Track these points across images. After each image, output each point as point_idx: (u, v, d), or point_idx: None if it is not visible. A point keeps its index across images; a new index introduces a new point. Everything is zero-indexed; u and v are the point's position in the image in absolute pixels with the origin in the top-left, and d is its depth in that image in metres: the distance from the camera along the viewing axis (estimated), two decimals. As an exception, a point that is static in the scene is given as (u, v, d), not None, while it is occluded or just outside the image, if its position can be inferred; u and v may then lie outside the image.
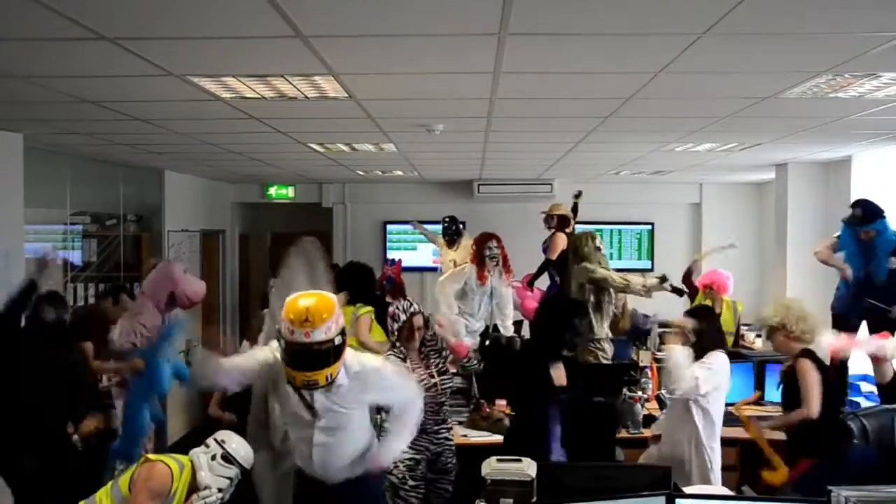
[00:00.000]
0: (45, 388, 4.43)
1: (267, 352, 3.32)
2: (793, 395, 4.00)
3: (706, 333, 4.22)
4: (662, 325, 6.85)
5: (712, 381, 4.07)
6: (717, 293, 6.60)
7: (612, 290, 5.91)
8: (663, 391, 5.36)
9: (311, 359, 2.99)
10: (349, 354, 3.21)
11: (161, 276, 6.07)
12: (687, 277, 6.98)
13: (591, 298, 5.82)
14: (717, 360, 4.13)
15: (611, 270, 5.96)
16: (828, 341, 4.06)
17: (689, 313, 4.44)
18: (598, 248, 6.05)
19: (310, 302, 3.01)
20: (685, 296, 6.86)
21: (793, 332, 4.04)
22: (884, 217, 5.23)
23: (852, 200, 7.13)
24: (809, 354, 4.03)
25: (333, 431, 3.26)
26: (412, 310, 4.15)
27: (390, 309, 4.23)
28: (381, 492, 3.71)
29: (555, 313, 4.23)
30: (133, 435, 5.15)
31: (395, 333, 4.15)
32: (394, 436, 3.44)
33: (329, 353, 3.01)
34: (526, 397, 4.09)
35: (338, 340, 3.02)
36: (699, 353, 4.15)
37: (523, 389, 4.10)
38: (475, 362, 4.39)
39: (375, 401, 3.50)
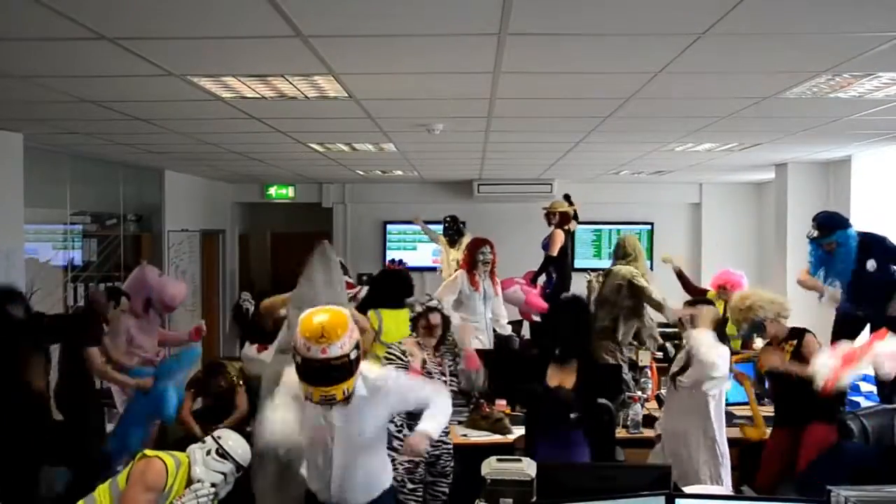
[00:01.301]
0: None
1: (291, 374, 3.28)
2: (798, 379, 4.09)
3: (714, 326, 4.18)
4: (661, 325, 6.84)
5: (725, 368, 4.06)
6: (732, 294, 6.42)
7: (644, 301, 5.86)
8: (663, 391, 5.36)
9: (327, 374, 2.98)
10: (363, 367, 3.20)
11: (136, 281, 6.05)
12: (687, 284, 6.84)
13: (627, 303, 5.75)
14: (725, 350, 4.09)
15: (651, 284, 5.89)
16: (820, 366, 4.00)
17: (693, 304, 4.41)
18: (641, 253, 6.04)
19: (324, 318, 3.01)
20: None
21: (776, 318, 4.28)
22: (844, 227, 5.19)
23: (851, 201, 7.17)
24: (807, 330, 4.31)
25: (352, 449, 3.21)
26: (430, 304, 4.14)
27: (410, 299, 4.29)
28: None
29: (554, 312, 4.21)
30: (120, 449, 5.15)
31: (412, 323, 4.17)
32: (428, 418, 3.32)
33: (345, 368, 3.00)
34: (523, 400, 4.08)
35: (353, 355, 3.02)
36: None
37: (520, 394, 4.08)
38: (482, 380, 4.36)
39: (398, 406, 3.39)
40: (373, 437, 3.27)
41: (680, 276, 6.83)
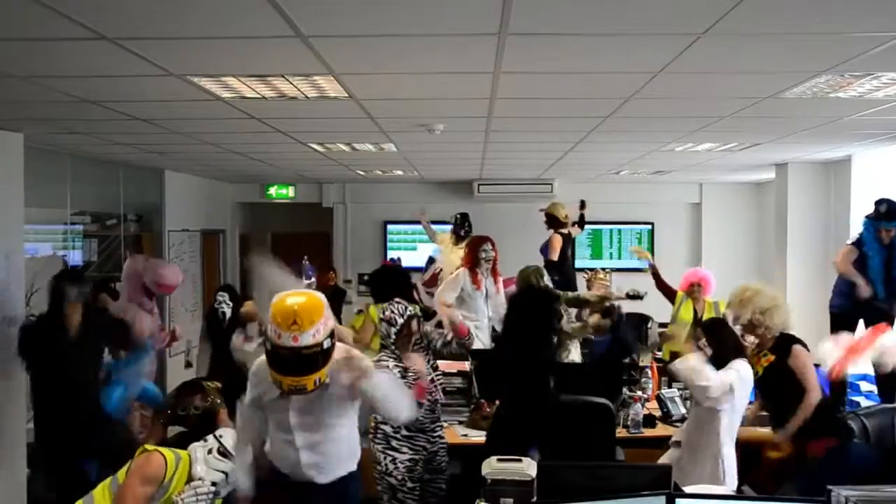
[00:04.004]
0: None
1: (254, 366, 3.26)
2: (787, 385, 4.02)
3: (724, 343, 4.11)
4: (662, 325, 6.83)
5: (744, 387, 3.99)
6: (703, 293, 6.33)
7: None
8: (663, 391, 5.36)
9: (298, 364, 2.87)
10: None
11: (127, 273, 6.14)
12: (660, 281, 6.66)
13: None
14: (743, 366, 4.02)
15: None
16: (827, 353, 3.98)
17: (703, 326, 4.37)
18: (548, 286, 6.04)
19: (298, 302, 2.89)
20: (666, 298, 6.72)
21: (768, 327, 4.12)
22: None
23: (851, 201, 7.18)
24: (797, 339, 4.13)
25: (315, 431, 3.17)
26: (409, 313, 4.09)
27: (386, 313, 4.12)
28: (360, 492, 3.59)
29: (535, 304, 4.21)
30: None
31: (393, 337, 4.06)
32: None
33: (317, 358, 2.88)
34: (519, 398, 4.08)
35: (326, 344, 2.90)
36: (720, 363, 4.01)
37: (518, 389, 4.08)
38: (472, 339, 4.43)
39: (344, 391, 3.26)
40: (337, 420, 3.21)
41: (654, 273, 6.70)
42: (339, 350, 3.16)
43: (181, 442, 4.22)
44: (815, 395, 4.05)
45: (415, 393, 3.85)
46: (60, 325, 4.71)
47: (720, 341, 4.10)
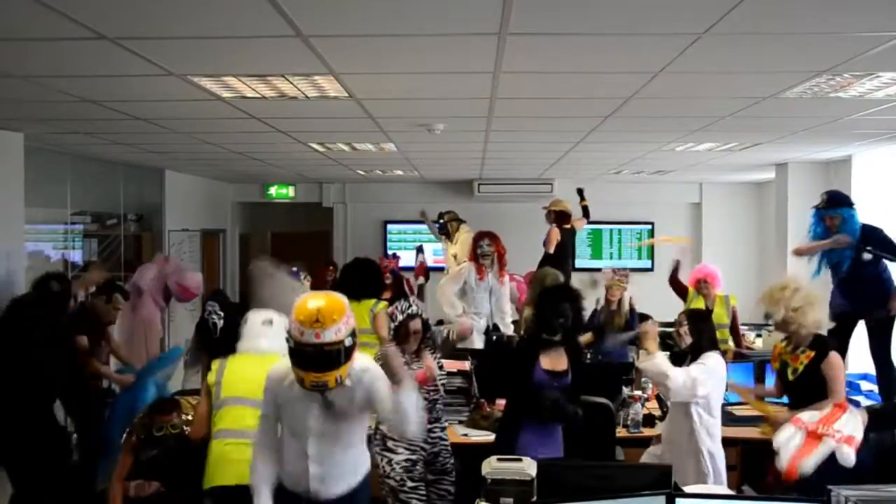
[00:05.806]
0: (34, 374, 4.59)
1: (277, 370, 3.24)
2: (820, 389, 3.98)
3: (702, 334, 4.17)
4: (664, 324, 6.83)
5: (709, 382, 4.01)
6: (711, 287, 6.49)
7: None
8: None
9: (321, 360, 2.93)
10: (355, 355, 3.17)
11: (155, 269, 6.16)
12: (673, 277, 6.84)
13: None
14: (713, 360, 4.09)
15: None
16: (785, 448, 3.71)
17: (687, 315, 4.41)
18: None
19: (320, 303, 2.97)
20: (678, 296, 6.77)
21: (801, 325, 4.03)
22: (851, 207, 5.21)
23: (853, 200, 7.17)
24: (833, 344, 4.09)
25: (329, 440, 3.16)
26: (410, 311, 4.13)
27: (390, 308, 4.23)
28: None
29: (543, 298, 4.21)
30: (101, 446, 5.19)
31: (392, 332, 4.14)
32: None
33: (340, 354, 2.95)
34: (510, 391, 4.09)
35: (348, 342, 2.97)
36: (696, 354, 4.11)
37: (510, 383, 4.08)
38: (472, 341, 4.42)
39: (364, 403, 3.21)
40: (351, 428, 3.21)
41: (675, 271, 6.84)
42: (363, 359, 3.19)
43: (155, 466, 3.81)
44: (842, 400, 3.94)
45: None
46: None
47: (699, 332, 4.17)
